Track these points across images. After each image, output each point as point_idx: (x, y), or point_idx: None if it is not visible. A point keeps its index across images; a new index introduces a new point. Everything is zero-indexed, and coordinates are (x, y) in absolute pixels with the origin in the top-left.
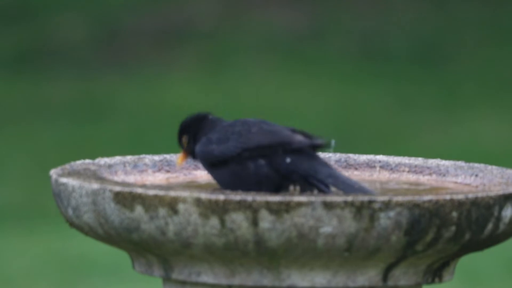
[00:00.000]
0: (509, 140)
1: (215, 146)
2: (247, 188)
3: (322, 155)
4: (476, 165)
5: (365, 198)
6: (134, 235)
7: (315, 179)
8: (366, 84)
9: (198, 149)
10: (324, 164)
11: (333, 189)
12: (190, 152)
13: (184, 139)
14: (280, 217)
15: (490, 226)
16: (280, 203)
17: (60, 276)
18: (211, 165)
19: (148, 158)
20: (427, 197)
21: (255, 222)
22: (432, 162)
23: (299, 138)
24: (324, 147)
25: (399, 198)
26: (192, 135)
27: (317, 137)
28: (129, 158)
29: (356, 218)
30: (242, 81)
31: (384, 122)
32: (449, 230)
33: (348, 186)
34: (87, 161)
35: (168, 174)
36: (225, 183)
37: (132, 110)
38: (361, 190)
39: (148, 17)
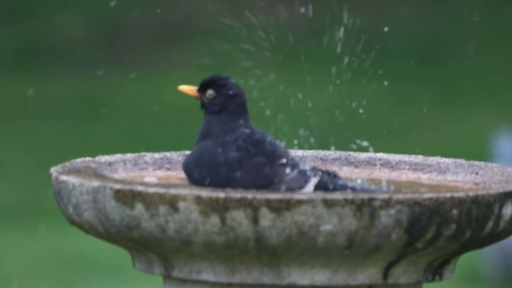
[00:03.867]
0: None
1: (199, 170)
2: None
3: (322, 153)
4: (477, 162)
5: (366, 196)
6: (134, 233)
7: None
8: (366, 81)
9: (195, 151)
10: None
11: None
12: (205, 105)
13: (210, 93)
14: (280, 215)
15: (490, 224)
16: (281, 201)
17: (60, 274)
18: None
19: (148, 156)
20: (427, 195)
21: (255, 220)
22: (433, 159)
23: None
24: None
25: (400, 196)
26: (222, 99)
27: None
28: (129, 156)
29: (356, 216)
30: (242, 79)
31: (385, 119)
32: (449, 228)
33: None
34: (88, 159)
35: (169, 172)
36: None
37: (131, 108)
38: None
39: (147, 15)
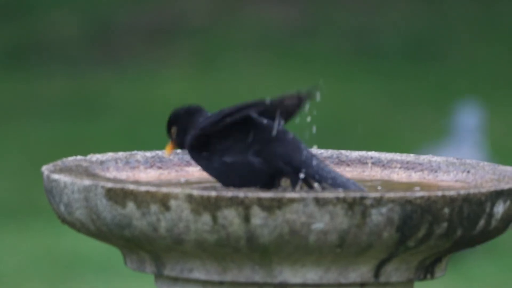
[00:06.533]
0: (502, 136)
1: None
2: (237, 179)
3: (315, 151)
4: (468, 161)
5: (357, 194)
6: (126, 231)
7: (308, 174)
8: (358, 80)
9: (187, 139)
10: (318, 159)
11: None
12: (178, 144)
13: (173, 130)
14: (272, 213)
15: (482, 222)
16: (272, 199)
17: (52, 273)
18: (199, 152)
19: (140, 155)
20: (419, 194)
21: (247, 219)
22: (424, 158)
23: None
24: (302, 101)
25: (391, 194)
26: (181, 127)
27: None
28: (121, 154)
29: (348, 215)
30: (234, 77)
31: (376, 118)
32: (441, 226)
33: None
34: (79, 157)
35: (160, 171)
36: (215, 174)
37: (124, 106)
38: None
39: (140, 14)
